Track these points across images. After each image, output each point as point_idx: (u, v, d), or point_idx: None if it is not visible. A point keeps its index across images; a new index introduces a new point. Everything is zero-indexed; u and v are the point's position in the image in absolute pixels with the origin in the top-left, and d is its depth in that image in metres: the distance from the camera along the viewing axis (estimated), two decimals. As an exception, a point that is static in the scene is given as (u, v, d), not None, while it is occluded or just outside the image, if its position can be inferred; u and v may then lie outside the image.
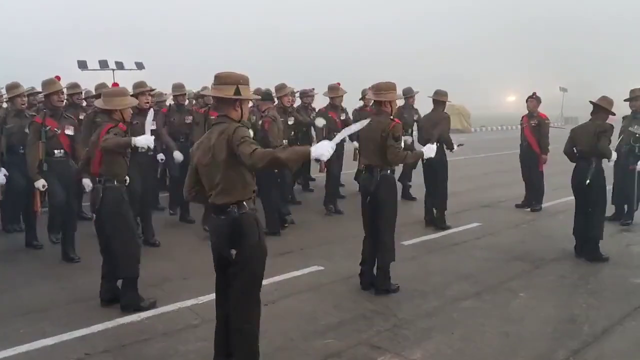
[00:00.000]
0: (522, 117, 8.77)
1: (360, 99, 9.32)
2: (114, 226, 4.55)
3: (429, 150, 5.06)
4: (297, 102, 9.40)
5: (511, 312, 4.66)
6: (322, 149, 2.94)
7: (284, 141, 7.53)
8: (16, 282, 5.35)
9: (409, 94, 9.22)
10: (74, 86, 7.80)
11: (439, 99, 7.57)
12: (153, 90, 7.73)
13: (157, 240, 6.60)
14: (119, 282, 4.67)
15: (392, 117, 4.99)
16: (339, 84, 8.67)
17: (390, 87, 5.04)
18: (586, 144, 5.99)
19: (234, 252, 3.17)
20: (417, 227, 7.51)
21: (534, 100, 8.48)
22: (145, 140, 4.69)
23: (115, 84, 5.18)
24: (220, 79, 3.22)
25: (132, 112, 5.01)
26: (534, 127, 8.46)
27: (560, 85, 44.74)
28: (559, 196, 9.05)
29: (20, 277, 5.48)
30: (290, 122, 8.03)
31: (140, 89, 6.65)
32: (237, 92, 3.17)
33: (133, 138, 4.63)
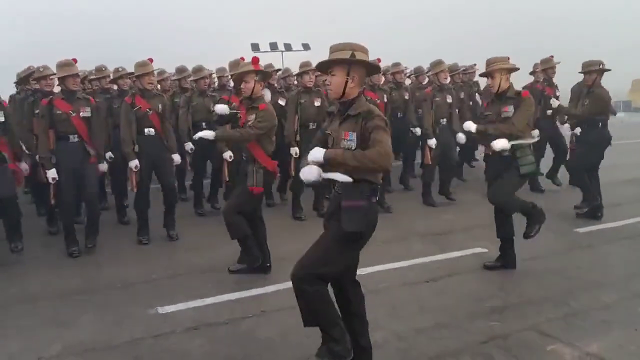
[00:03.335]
0: None
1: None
2: None
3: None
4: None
5: None
6: None
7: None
8: (202, 243, 6.01)
9: (547, 65, 8.07)
10: (223, 70, 7.93)
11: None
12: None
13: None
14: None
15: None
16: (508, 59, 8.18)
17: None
18: None
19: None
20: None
21: None
22: None
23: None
24: None
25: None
26: None
27: None
28: None
29: (205, 239, 6.15)
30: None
31: (304, 68, 6.96)
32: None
33: None
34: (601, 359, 3.45)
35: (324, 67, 3.08)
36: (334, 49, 3.00)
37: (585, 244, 5.80)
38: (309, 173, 2.93)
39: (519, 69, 5.18)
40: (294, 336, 3.75)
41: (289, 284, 4.56)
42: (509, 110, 4.80)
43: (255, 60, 4.76)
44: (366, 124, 2.89)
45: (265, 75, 4.98)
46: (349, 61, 2.94)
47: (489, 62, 4.88)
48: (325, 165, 2.91)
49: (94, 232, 5.78)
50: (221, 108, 5.12)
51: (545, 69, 8.01)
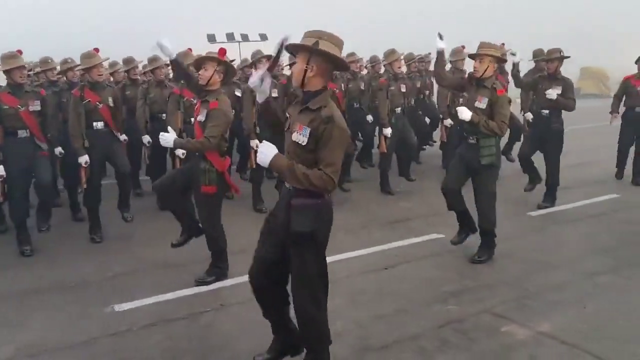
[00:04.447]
0: (627, 78, 7.85)
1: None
2: None
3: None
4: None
5: (653, 290, 4.30)
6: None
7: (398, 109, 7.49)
8: (158, 238, 5.86)
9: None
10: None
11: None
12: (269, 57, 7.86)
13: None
14: None
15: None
16: (463, 47, 8.31)
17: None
18: None
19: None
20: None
21: None
22: None
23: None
24: None
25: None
26: None
27: None
28: None
29: (161, 234, 5.99)
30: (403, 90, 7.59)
31: (257, 57, 6.86)
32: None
33: None
34: (552, 337, 3.58)
35: (292, 52, 2.95)
36: (305, 34, 2.82)
37: (538, 227, 5.99)
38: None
39: (506, 60, 5.26)
40: (254, 329, 3.73)
41: (244, 278, 4.57)
42: (483, 102, 4.84)
43: (222, 52, 4.50)
44: (324, 131, 2.73)
45: (228, 68, 4.61)
46: (310, 49, 2.76)
47: (480, 46, 4.91)
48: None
49: (46, 215, 5.60)
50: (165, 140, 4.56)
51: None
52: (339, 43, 2.82)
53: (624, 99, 7.89)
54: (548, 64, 6.59)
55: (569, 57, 6.58)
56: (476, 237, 5.15)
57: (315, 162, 2.80)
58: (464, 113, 4.80)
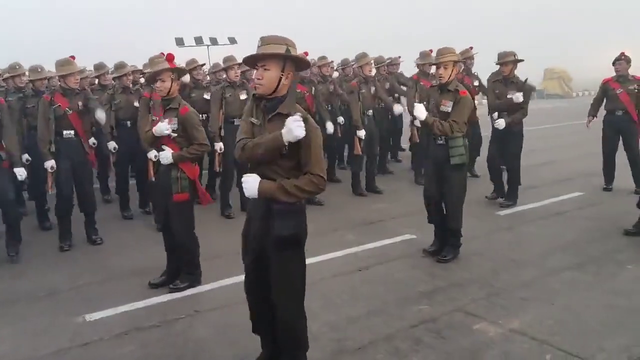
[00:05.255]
0: (606, 81, 7.54)
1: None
2: None
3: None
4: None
5: (617, 285, 4.43)
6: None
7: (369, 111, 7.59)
8: (129, 246, 5.82)
9: (466, 56, 8.07)
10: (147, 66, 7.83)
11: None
12: (242, 64, 7.84)
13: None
14: None
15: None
16: (431, 50, 8.44)
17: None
18: None
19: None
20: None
21: (623, 61, 7.35)
22: None
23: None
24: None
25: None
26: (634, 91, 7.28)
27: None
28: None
29: (132, 241, 5.96)
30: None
31: (229, 63, 6.84)
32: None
33: None
34: (523, 334, 3.66)
35: (256, 61, 2.86)
36: (267, 41, 2.79)
37: (506, 226, 6.12)
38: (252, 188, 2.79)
39: (464, 61, 5.39)
40: (230, 334, 3.73)
41: (223, 282, 4.62)
42: (448, 105, 4.94)
43: (170, 58, 4.43)
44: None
45: (180, 72, 4.61)
46: (285, 56, 2.78)
47: (441, 52, 5.02)
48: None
49: (16, 240, 5.47)
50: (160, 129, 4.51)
51: (464, 60, 8.31)
52: (295, 44, 2.88)
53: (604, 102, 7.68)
54: (502, 67, 6.73)
55: (522, 60, 6.75)
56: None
57: (292, 166, 2.83)
58: (419, 112, 4.91)
